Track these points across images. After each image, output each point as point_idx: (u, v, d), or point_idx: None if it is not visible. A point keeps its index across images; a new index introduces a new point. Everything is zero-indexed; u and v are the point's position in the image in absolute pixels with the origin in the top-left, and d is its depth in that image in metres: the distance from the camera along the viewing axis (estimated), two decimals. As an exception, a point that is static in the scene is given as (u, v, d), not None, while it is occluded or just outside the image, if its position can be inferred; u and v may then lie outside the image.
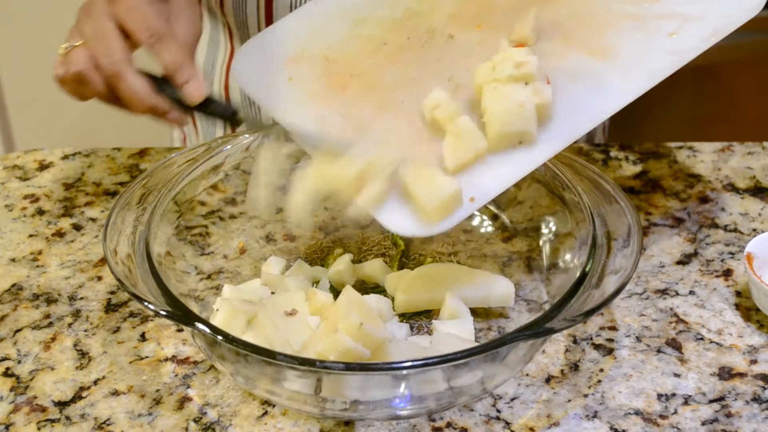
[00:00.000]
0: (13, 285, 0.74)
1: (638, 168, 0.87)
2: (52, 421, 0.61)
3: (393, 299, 0.68)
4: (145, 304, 0.57)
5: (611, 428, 0.60)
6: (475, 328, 0.66)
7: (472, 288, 0.67)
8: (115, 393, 0.63)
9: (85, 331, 0.69)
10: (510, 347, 0.56)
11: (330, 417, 0.60)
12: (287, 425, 0.61)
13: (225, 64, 0.95)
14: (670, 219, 0.80)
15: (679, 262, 0.75)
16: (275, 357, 0.54)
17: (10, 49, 1.85)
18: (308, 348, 0.59)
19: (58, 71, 0.70)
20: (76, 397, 0.63)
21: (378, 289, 0.70)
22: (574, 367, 0.65)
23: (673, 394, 0.62)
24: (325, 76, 0.70)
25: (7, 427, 0.61)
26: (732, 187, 0.84)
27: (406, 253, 0.74)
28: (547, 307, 0.67)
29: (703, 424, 0.60)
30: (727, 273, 0.73)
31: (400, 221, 0.62)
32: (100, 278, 0.74)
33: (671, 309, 0.70)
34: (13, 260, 0.77)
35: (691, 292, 0.71)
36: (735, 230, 0.78)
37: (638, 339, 0.67)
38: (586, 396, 0.62)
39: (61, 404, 0.63)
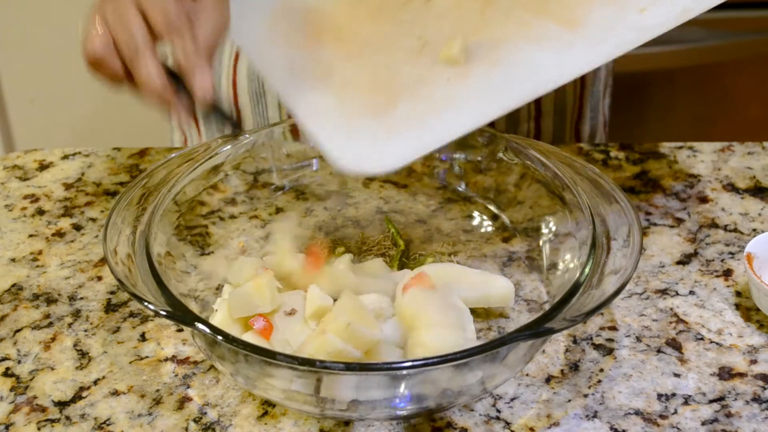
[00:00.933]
0: (13, 285, 0.74)
1: (638, 168, 0.87)
2: (52, 421, 0.61)
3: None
4: (145, 304, 0.57)
5: (611, 428, 0.60)
6: (475, 328, 0.66)
7: (472, 288, 0.67)
8: (115, 393, 0.63)
9: (85, 331, 0.69)
10: (510, 347, 0.56)
11: (330, 417, 0.60)
12: (287, 425, 0.61)
13: (232, 60, 0.95)
14: (670, 219, 0.80)
15: (679, 262, 0.75)
16: (275, 357, 0.54)
17: (10, 49, 1.85)
18: (302, 349, 0.59)
19: (85, 52, 0.69)
20: (76, 397, 0.63)
21: None
22: (574, 367, 0.65)
23: (673, 394, 0.62)
24: (305, 24, 0.73)
25: (7, 427, 0.61)
26: (732, 187, 0.84)
27: (406, 253, 0.75)
28: (547, 307, 0.67)
29: (703, 424, 0.60)
30: (727, 273, 0.73)
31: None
32: (100, 278, 0.74)
33: (671, 309, 0.70)
34: (13, 260, 0.77)
35: (691, 292, 0.72)
36: (735, 230, 0.78)
37: (638, 339, 0.67)
38: (586, 396, 0.62)
39: (61, 404, 0.63)
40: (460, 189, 0.79)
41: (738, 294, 0.71)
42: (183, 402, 0.63)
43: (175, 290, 0.62)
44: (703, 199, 0.82)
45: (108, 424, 0.61)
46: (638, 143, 0.91)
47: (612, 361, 0.65)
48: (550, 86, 0.67)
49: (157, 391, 0.64)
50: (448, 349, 0.55)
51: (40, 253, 0.77)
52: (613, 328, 0.68)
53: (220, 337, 0.55)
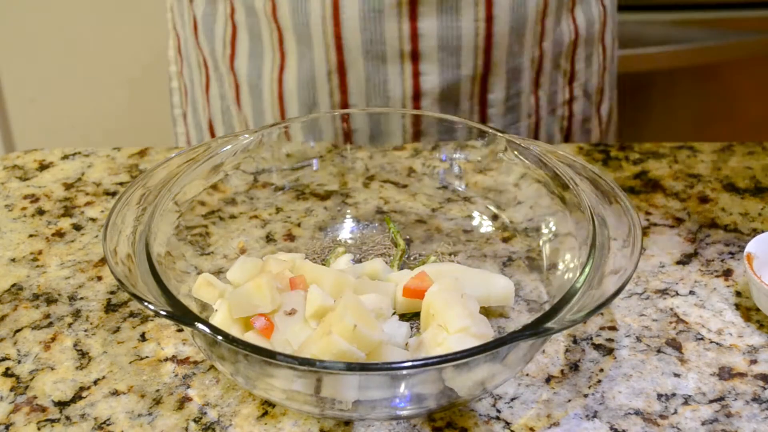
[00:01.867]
0: (13, 285, 0.74)
1: (638, 168, 0.87)
2: (52, 421, 0.61)
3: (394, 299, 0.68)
4: (145, 304, 0.57)
5: (611, 428, 0.60)
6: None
7: (472, 288, 0.67)
8: (115, 393, 0.63)
9: (85, 331, 0.69)
10: (510, 347, 0.56)
11: (330, 417, 0.60)
12: (287, 425, 0.61)
13: (276, 73, 0.95)
14: (670, 219, 0.80)
15: (679, 262, 0.75)
16: (275, 357, 0.54)
17: (10, 49, 1.86)
18: (305, 349, 0.59)
19: None
20: (76, 397, 0.63)
21: None
22: (574, 367, 0.65)
23: (673, 394, 0.63)
24: None
25: (7, 427, 0.61)
26: (732, 187, 0.84)
27: (406, 253, 0.75)
28: (547, 307, 0.67)
29: (703, 424, 0.60)
30: (727, 273, 0.73)
31: None
32: (100, 278, 0.74)
33: (671, 309, 0.70)
34: (13, 260, 0.77)
35: (691, 292, 0.72)
36: (735, 230, 0.78)
37: (638, 339, 0.67)
38: (586, 396, 0.63)
39: (61, 404, 0.63)
40: (460, 189, 0.79)
41: (738, 294, 0.71)
42: (183, 402, 0.63)
43: (175, 290, 0.62)
44: (703, 199, 0.82)
45: (108, 424, 0.61)
46: (638, 143, 0.91)
47: (612, 361, 0.65)
48: None
49: (157, 391, 0.64)
50: None
51: (40, 253, 0.77)
52: (613, 328, 0.68)
53: (220, 337, 0.55)
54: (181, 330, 0.69)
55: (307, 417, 0.61)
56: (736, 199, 0.82)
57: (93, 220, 0.81)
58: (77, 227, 0.80)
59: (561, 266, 0.68)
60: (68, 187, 0.86)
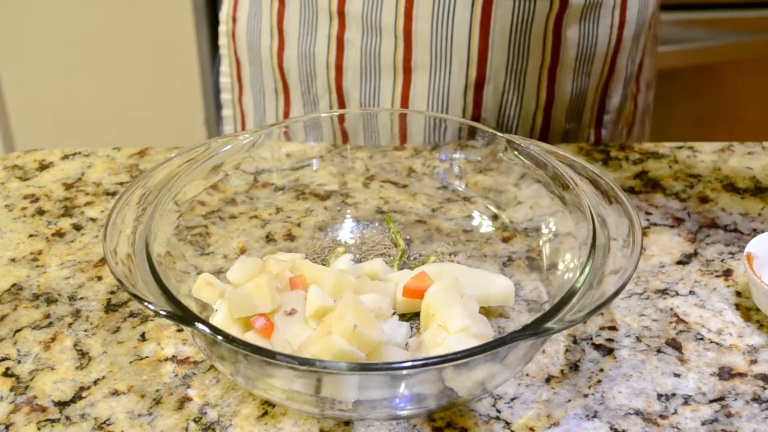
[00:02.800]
0: (13, 285, 0.74)
1: (638, 168, 0.87)
2: (52, 421, 0.61)
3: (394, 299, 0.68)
4: (145, 304, 0.57)
5: (611, 428, 0.60)
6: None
7: (472, 288, 0.67)
8: (115, 393, 0.63)
9: (85, 331, 0.69)
10: (510, 347, 0.56)
11: (330, 417, 0.60)
12: (287, 425, 0.61)
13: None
14: (670, 219, 0.80)
15: (679, 262, 0.75)
16: (275, 357, 0.54)
17: (10, 49, 1.86)
18: (305, 349, 0.59)
19: None
20: (76, 397, 0.63)
21: None
22: (574, 367, 0.65)
23: (673, 394, 0.63)
24: None
25: (7, 427, 0.61)
26: (732, 187, 0.84)
27: (406, 253, 0.75)
28: (547, 307, 0.67)
29: (703, 424, 0.60)
30: (727, 273, 0.73)
31: None
32: (100, 278, 0.74)
33: (671, 309, 0.70)
34: (13, 260, 0.77)
35: (691, 292, 0.72)
36: (735, 230, 0.78)
37: (638, 339, 0.67)
38: (586, 396, 0.63)
39: (61, 404, 0.63)
40: (460, 189, 0.79)
41: (738, 294, 0.71)
42: (183, 402, 0.63)
43: (175, 290, 0.62)
44: (703, 199, 0.82)
45: (108, 424, 0.61)
46: (638, 143, 0.91)
47: (612, 361, 0.65)
48: None
49: (157, 391, 0.64)
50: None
51: (40, 253, 0.77)
52: (613, 328, 0.68)
53: (220, 337, 0.55)
54: (181, 330, 0.69)
55: (307, 417, 0.61)
56: (736, 199, 0.82)
57: (93, 220, 0.81)
58: (77, 227, 0.80)
59: (561, 266, 0.68)
60: (68, 187, 0.86)
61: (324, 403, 0.58)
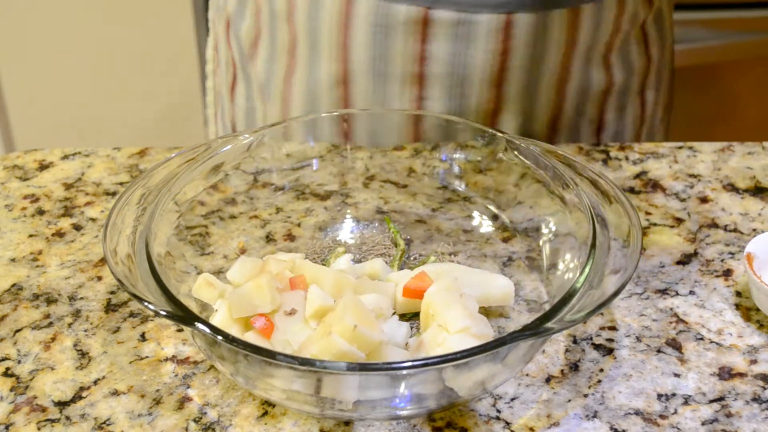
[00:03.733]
0: (13, 285, 0.74)
1: (638, 168, 0.87)
2: (52, 421, 0.61)
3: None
4: (145, 304, 0.57)
5: (611, 428, 0.60)
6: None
7: (472, 287, 0.67)
8: (115, 393, 0.63)
9: (85, 331, 0.69)
10: (510, 347, 0.56)
11: (330, 417, 0.60)
12: (287, 425, 0.61)
13: (284, 78, 0.94)
14: (670, 219, 0.80)
15: (679, 262, 0.75)
16: (275, 357, 0.54)
17: (10, 49, 1.86)
18: (304, 349, 0.59)
19: None
20: (76, 397, 0.63)
21: None
22: (574, 367, 0.65)
23: (673, 394, 0.63)
24: None
25: (7, 427, 0.61)
26: (732, 187, 0.84)
27: (406, 253, 0.75)
28: (547, 307, 0.67)
29: (703, 424, 0.60)
30: (727, 273, 0.73)
31: None
32: (100, 278, 0.74)
33: (671, 309, 0.70)
34: (13, 260, 0.77)
35: (691, 292, 0.72)
36: (735, 230, 0.78)
37: (638, 339, 0.67)
38: (586, 396, 0.63)
39: (61, 404, 0.63)
40: (460, 189, 0.79)
41: (738, 294, 0.71)
42: (183, 402, 0.63)
43: (175, 290, 0.62)
44: (703, 199, 0.82)
45: (108, 424, 0.61)
46: (638, 143, 0.91)
47: (612, 361, 0.65)
48: None
49: (157, 391, 0.64)
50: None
51: (40, 253, 0.77)
52: (613, 328, 0.68)
53: (220, 337, 0.55)
54: (181, 330, 0.69)
55: (307, 417, 0.61)
56: (736, 199, 0.82)
57: (93, 220, 0.81)
58: (77, 227, 0.80)
59: (561, 266, 0.68)
60: (68, 187, 0.86)
61: (324, 403, 0.58)
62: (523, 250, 0.73)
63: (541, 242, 0.72)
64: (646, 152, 0.89)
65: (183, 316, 0.57)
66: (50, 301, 0.72)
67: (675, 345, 0.67)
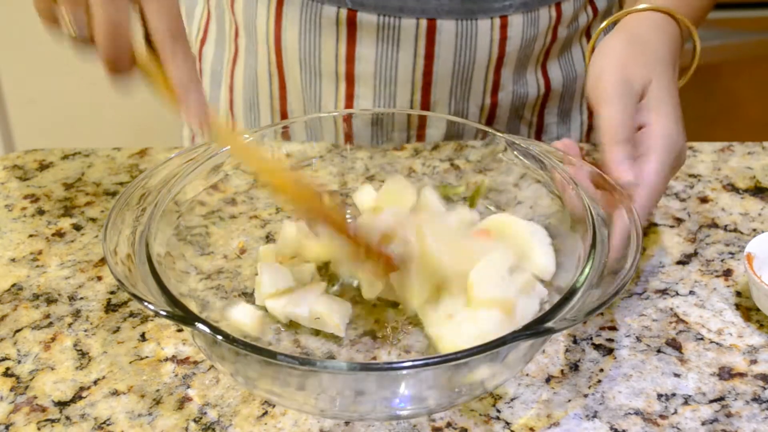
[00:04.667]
0: (13, 285, 0.74)
1: (638, 168, 0.87)
2: (52, 421, 0.61)
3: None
4: (145, 304, 0.57)
5: (611, 428, 0.60)
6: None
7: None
8: (115, 393, 0.63)
9: (85, 331, 0.69)
10: (510, 347, 0.56)
11: (330, 417, 0.60)
12: (287, 425, 0.61)
13: (230, 64, 0.95)
14: (670, 219, 0.80)
15: (679, 262, 0.75)
16: (275, 357, 0.54)
17: (10, 49, 1.86)
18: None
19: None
20: (76, 397, 0.63)
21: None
22: (574, 367, 0.65)
23: (673, 394, 0.63)
24: None
25: (7, 427, 0.61)
26: (732, 187, 0.84)
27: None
28: (547, 307, 0.67)
29: (703, 424, 0.60)
30: (727, 273, 0.73)
31: None
32: (100, 278, 0.74)
33: (671, 309, 0.70)
34: (13, 260, 0.77)
35: (691, 292, 0.72)
36: (735, 230, 0.78)
37: (638, 339, 0.67)
38: (586, 396, 0.63)
39: (61, 404, 0.63)
40: (460, 189, 0.79)
41: (738, 294, 0.71)
42: (183, 402, 0.63)
43: (175, 290, 0.62)
44: (703, 199, 0.82)
45: (108, 424, 0.61)
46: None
47: (612, 361, 0.65)
48: None
49: (157, 391, 0.64)
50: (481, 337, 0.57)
51: (40, 253, 0.77)
52: (613, 328, 0.68)
53: (220, 337, 0.55)
54: (181, 330, 0.69)
55: (307, 417, 0.61)
56: (736, 199, 0.82)
57: (93, 220, 0.81)
58: (77, 227, 0.80)
59: (561, 266, 0.68)
60: (68, 187, 0.86)
61: (324, 403, 0.58)
62: (523, 250, 0.73)
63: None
64: (646, 152, 0.89)
65: (183, 316, 0.57)
66: (50, 301, 0.72)
67: (675, 345, 0.67)
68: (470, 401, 0.62)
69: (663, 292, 0.72)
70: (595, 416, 0.61)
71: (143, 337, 0.68)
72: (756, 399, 0.62)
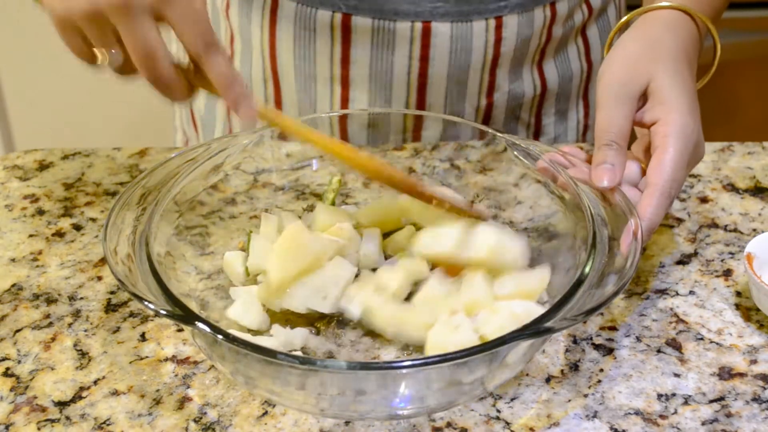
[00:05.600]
0: (13, 285, 0.74)
1: (638, 168, 0.87)
2: (52, 421, 0.61)
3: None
4: (145, 303, 0.57)
5: (611, 428, 0.60)
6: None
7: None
8: (115, 393, 0.63)
9: (85, 331, 0.69)
10: (510, 347, 0.56)
11: (330, 417, 0.60)
12: (287, 425, 0.61)
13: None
14: (670, 219, 0.80)
15: (679, 262, 0.75)
16: (275, 356, 0.54)
17: (10, 49, 1.86)
18: None
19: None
20: (76, 397, 0.63)
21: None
22: (574, 367, 0.65)
23: (673, 394, 0.63)
24: None
25: (7, 427, 0.61)
26: (732, 187, 0.84)
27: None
28: (547, 307, 0.67)
29: (703, 424, 0.60)
30: (727, 273, 0.73)
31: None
32: (100, 278, 0.74)
33: (671, 309, 0.70)
34: (13, 260, 0.77)
35: (691, 292, 0.72)
36: (735, 230, 0.78)
37: (638, 339, 0.67)
38: (586, 396, 0.63)
39: (61, 404, 0.63)
40: (460, 189, 0.79)
41: (738, 294, 0.71)
42: (183, 402, 0.63)
43: (175, 290, 0.62)
44: (703, 199, 0.82)
45: (108, 424, 0.61)
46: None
47: (612, 361, 0.65)
48: None
49: (157, 391, 0.64)
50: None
51: (40, 253, 0.77)
52: (613, 328, 0.68)
53: (220, 337, 0.55)
54: (181, 330, 0.69)
55: (307, 417, 0.61)
56: (736, 199, 0.82)
57: (93, 220, 0.81)
58: (77, 227, 0.80)
59: (561, 266, 0.68)
60: (68, 187, 0.86)
61: (324, 403, 0.58)
62: (523, 250, 0.73)
63: (541, 242, 0.72)
64: (646, 152, 0.89)
65: (183, 315, 0.57)
66: (50, 301, 0.72)
67: (675, 345, 0.67)
68: (470, 401, 0.62)
69: (663, 292, 0.72)
70: (595, 416, 0.61)
71: (143, 337, 0.68)
72: (756, 399, 0.62)
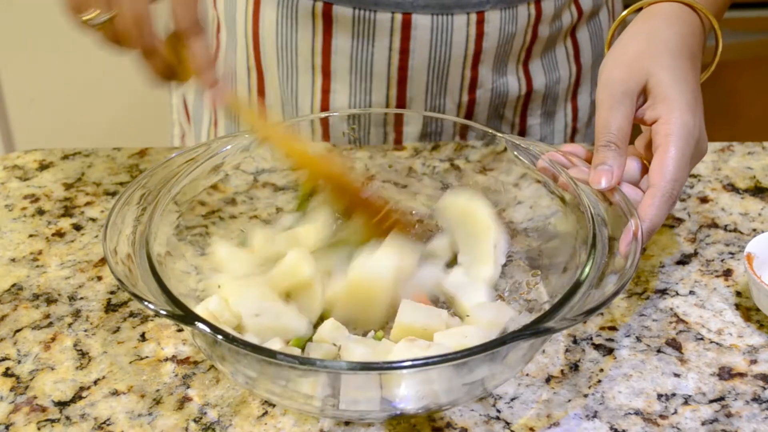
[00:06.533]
0: (13, 285, 0.74)
1: (638, 168, 0.87)
2: (52, 421, 0.61)
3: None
4: (145, 303, 0.57)
5: (611, 428, 0.60)
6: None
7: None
8: (115, 393, 0.63)
9: (85, 331, 0.69)
10: (510, 347, 0.56)
11: (330, 417, 0.60)
12: (287, 425, 0.61)
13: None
14: (670, 219, 0.80)
15: (679, 262, 0.75)
16: (275, 356, 0.54)
17: (10, 49, 1.86)
18: None
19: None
20: (76, 397, 0.63)
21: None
22: (574, 367, 0.65)
23: (673, 394, 0.63)
24: None
25: (7, 427, 0.61)
26: (732, 187, 0.84)
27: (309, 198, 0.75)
28: (547, 307, 0.67)
29: (703, 424, 0.60)
30: (727, 273, 0.73)
31: None
32: (100, 278, 0.74)
33: (671, 309, 0.70)
34: (13, 260, 0.77)
35: (691, 292, 0.72)
36: (735, 230, 0.78)
37: (638, 339, 0.67)
38: (586, 396, 0.63)
39: (61, 404, 0.63)
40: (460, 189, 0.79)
41: (738, 294, 0.71)
42: (183, 402, 0.63)
43: (175, 290, 0.62)
44: (703, 199, 0.82)
45: (108, 424, 0.61)
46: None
47: (612, 361, 0.65)
48: None
49: (157, 391, 0.64)
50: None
51: (40, 253, 0.77)
52: (613, 328, 0.68)
53: (220, 337, 0.55)
54: (181, 330, 0.69)
55: (307, 417, 0.61)
56: (736, 199, 0.82)
57: (93, 220, 0.81)
58: (77, 227, 0.80)
59: (561, 266, 0.68)
60: (68, 187, 0.86)
61: (324, 403, 0.58)
62: (523, 249, 0.73)
63: (540, 242, 0.72)
64: (646, 152, 0.89)
65: (183, 315, 0.57)
66: (50, 301, 0.72)
67: (675, 345, 0.67)
68: (470, 401, 0.62)
69: (663, 292, 0.72)
70: (595, 416, 0.61)
71: (143, 337, 0.68)
72: (756, 399, 0.62)
